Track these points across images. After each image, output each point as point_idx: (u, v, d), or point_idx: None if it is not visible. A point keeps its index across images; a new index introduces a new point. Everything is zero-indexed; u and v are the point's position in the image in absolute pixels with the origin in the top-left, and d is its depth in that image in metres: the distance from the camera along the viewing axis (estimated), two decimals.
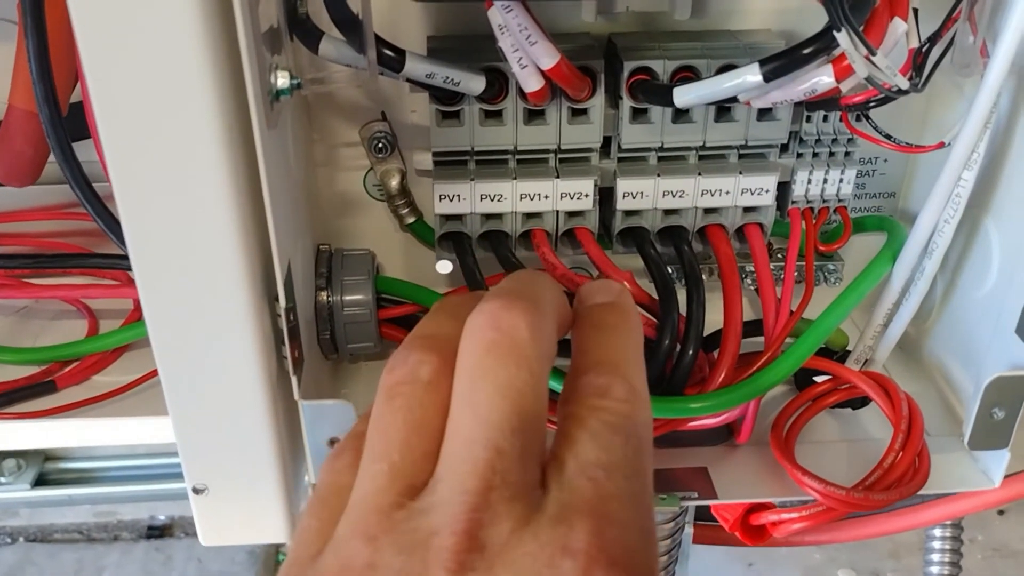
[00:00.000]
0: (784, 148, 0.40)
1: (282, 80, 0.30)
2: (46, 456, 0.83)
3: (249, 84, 0.27)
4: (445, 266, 0.46)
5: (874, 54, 0.32)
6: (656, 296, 0.38)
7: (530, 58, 0.34)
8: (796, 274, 0.44)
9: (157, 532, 0.92)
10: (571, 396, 0.25)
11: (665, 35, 0.39)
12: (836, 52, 0.33)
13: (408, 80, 0.35)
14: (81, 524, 0.92)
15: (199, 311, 0.30)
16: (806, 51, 0.32)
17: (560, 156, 0.40)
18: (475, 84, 0.36)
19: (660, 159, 0.40)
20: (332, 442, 0.35)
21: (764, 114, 0.39)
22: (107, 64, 0.26)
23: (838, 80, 0.34)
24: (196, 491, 0.35)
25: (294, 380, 0.33)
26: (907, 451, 0.38)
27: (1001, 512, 1.02)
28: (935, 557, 0.65)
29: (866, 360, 0.43)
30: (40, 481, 0.82)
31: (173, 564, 0.88)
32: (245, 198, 0.29)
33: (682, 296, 0.39)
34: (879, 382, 0.40)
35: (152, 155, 0.27)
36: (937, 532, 0.64)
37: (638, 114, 0.39)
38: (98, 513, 0.92)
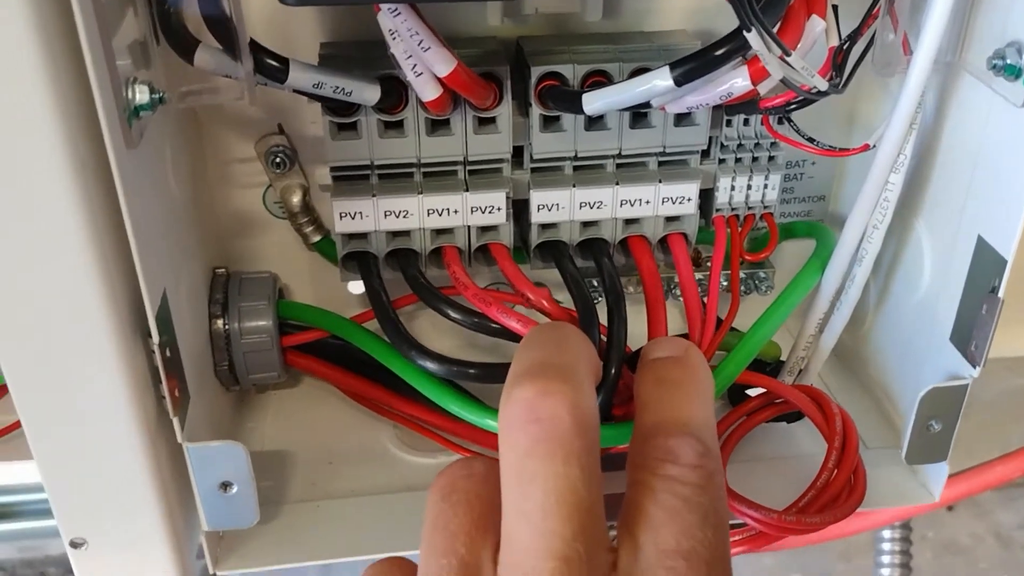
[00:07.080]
0: (706, 154, 0.38)
1: (141, 95, 0.27)
2: None
3: (99, 100, 0.24)
4: (357, 286, 0.43)
5: (788, 55, 0.29)
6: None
7: (425, 65, 0.31)
8: (726, 283, 0.42)
9: None
10: (640, 461, 0.24)
11: (576, 38, 0.37)
12: (751, 53, 0.31)
13: (295, 91, 0.32)
14: (5, 561, 0.88)
15: (59, 353, 0.27)
16: (718, 52, 0.30)
17: (469, 168, 0.37)
18: (369, 94, 0.33)
19: (576, 168, 0.38)
20: (224, 486, 0.32)
21: (682, 119, 0.37)
22: None
23: (754, 82, 0.32)
24: (74, 545, 0.32)
25: (175, 422, 0.31)
26: (842, 468, 0.36)
27: (950, 508, 1.02)
28: (885, 559, 0.63)
29: (800, 371, 0.41)
30: None
31: None
32: (103, 225, 0.26)
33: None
34: (812, 396, 0.38)
35: None
36: (886, 533, 0.63)
37: (549, 122, 0.36)
38: (23, 548, 0.88)
